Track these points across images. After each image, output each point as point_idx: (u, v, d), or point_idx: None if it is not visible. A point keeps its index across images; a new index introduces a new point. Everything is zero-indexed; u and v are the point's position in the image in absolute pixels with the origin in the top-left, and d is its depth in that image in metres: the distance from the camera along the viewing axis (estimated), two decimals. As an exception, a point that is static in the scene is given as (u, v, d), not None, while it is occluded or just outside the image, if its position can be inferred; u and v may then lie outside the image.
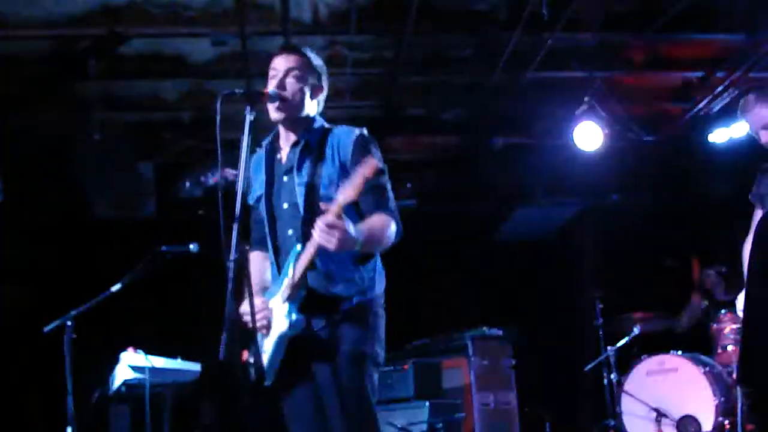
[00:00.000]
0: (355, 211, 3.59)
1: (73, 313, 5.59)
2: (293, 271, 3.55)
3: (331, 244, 3.29)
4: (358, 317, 3.61)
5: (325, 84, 3.87)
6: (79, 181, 7.82)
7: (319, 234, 3.29)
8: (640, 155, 8.55)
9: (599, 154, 8.07)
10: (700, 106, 8.10)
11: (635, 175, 8.84)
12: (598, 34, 7.14)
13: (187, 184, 8.08)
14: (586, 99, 7.80)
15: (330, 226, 3.27)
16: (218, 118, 3.46)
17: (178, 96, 7.63)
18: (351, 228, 3.33)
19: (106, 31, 6.59)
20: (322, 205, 3.36)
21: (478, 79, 7.69)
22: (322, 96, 3.87)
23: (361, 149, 3.65)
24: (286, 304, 3.58)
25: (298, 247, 3.58)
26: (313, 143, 3.73)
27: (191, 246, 5.69)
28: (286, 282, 3.58)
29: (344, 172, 3.60)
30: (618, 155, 8.35)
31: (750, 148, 8.01)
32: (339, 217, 3.29)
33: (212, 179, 7.89)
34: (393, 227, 3.59)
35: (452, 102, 8.15)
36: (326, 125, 3.84)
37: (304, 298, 3.58)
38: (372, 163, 3.29)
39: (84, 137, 7.67)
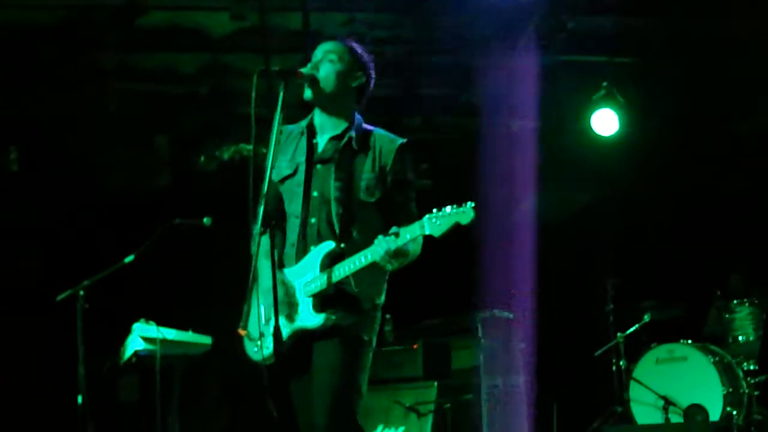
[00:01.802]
0: (376, 208, 3.73)
1: (85, 282, 5.63)
2: (330, 272, 3.60)
3: (392, 266, 3.54)
4: (368, 314, 3.73)
5: (368, 77, 3.90)
6: (95, 153, 7.84)
7: (382, 256, 3.45)
8: (658, 142, 8.50)
9: (617, 139, 8.04)
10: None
11: (652, 161, 8.79)
12: (618, 18, 7.09)
13: (202, 157, 8.09)
14: (604, 84, 7.77)
15: (397, 253, 3.45)
16: (253, 93, 3.48)
17: (195, 69, 7.62)
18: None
19: (125, 2, 6.59)
20: (391, 230, 3.49)
21: (497, 61, 7.65)
22: (366, 90, 3.91)
23: (402, 160, 3.79)
24: (310, 299, 3.64)
25: (333, 244, 3.65)
26: (356, 142, 3.78)
27: (205, 219, 5.71)
28: (315, 278, 3.63)
29: (382, 178, 3.74)
30: (635, 142, 8.30)
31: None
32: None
33: (229, 154, 7.89)
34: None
35: (471, 83, 8.11)
36: (366, 126, 3.89)
37: (330, 296, 3.65)
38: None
39: (100, 109, 7.68)
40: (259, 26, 6.84)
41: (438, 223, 3.37)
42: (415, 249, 3.66)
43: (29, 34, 6.91)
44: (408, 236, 3.44)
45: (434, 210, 3.41)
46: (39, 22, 6.85)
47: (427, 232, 3.40)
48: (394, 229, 3.49)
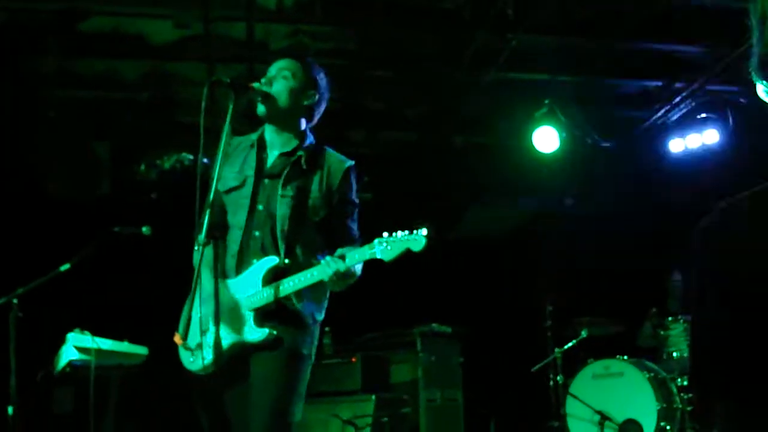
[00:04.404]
0: (317, 227, 3.74)
1: (19, 291, 5.52)
2: (274, 287, 3.58)
3: (338, 287, 3.57)
4: (308, 329, 3.72)
5: (321, 96, 3.88)
6: (33, 159, 7.71)
7: (330, 276, 3.46)
8: (597, 161, 8.63)
9: (557, 157, 8.14)
10: (659, 114, 8.21)
11: (591, 180, 8.92)
12: (561, 37, 7.19)
13: (143, 166, 7.99)
14: (546, 102, 7.87)
15: (346, 275, 3.49)
16: (203, 104, 3.46)
17: (136, 76, 7.53)
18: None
19: (67, 6, 6.50)
20: (339, 251, 3.55)
21: (441, 77, 7.70)
22: (318, 109, 3.90)
23: (348, 182, 3.82)
24: (252, 314, 3.62)
25: (276, 260, 3.63)
26: (305, 161, 3.78)
27: (143, 228, 5.64)
28: (257, 292, 3.61)
29: (328, 198, 3.76)
30: (575, 160, 8.41)
31: (705, 159, 8.19)
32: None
33: (170, 163, 7.79)
34: None
35: (414, 98, 8.15)
36: (316, 144, 3.88)
37: (272, 311, 3.63)
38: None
39: (39, 114, 7.55)
40: (203, 35, 6.79)
41: (389, 248, 3.39)
42: (358, 269, 3.68)
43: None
44: (357, 257, 3.47)
45: (385, 234, 3.41)
46: (-23, 25, 6.74)
47: (377, 257, 3.41)
48: (341, 251, 3.51)
